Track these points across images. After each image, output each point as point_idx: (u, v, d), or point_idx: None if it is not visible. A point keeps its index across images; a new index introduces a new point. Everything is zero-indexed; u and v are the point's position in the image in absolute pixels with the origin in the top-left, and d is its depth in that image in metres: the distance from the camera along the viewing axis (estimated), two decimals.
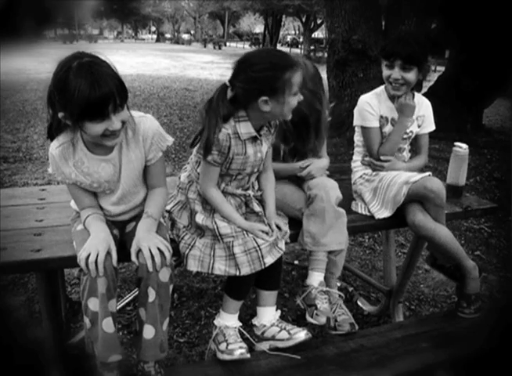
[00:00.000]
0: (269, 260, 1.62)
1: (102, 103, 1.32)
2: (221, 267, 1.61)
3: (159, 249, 1.47)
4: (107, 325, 1.43)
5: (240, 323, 1.73)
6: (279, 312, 1.78)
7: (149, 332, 1.49)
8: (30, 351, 1.09)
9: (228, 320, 1.70)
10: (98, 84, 1.30)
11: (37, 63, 14.27)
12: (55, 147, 1.53)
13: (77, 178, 1.55)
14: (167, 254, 1.47)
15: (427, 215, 1.91)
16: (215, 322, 1.73)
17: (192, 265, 1.63)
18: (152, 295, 1.46)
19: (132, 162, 1.58)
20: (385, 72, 2.03)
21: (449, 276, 2.11)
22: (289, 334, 1.68)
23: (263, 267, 1.61)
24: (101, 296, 1.41)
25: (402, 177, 1.95)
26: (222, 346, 1.63)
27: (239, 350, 1.59)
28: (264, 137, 1.69)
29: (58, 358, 1.74)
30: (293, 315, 2.46)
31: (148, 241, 1.47)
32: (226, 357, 1.60)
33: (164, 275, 1.47)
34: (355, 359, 1.66)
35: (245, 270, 1.59)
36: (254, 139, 1.64)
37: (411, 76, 1.99)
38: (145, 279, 1.46)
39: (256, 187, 1.80)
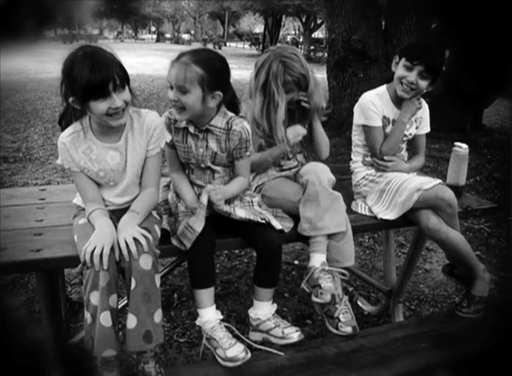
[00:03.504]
0: (197, 227, 1.66)
1: (102, 81, 1.45)
2: (174, 241, 1.70)
3: (135, 239, 1.49)
4: (105, 319, 1.44)
5: (222, 316, 1.70)
6: (275, 305, 1.78)
7: (131, 321, 1.48)
8: (30, 351, 1.09)
9: (204, 315, 1.67)
10: (98, 66, 1.44)
11: (37, 63, 14.28)
12: (65, 136, 1.62)
13: (85, 166, 1.62)
14: (143, 242, 1.48)
15: (440, 218, 1.91)
16: (197, 322, 1.71)
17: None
18: (133, 283, 1.47)
19: (137, 151, 1.66)
20: (401, 72, 2.00)
21: (467, 285, 2.05)
22: (282, 333, 1.69)
23: (195, 236, 1.64)
24: (101, 289, 1.43)
25: (412, 182, 1.94)
26: (220, 352, 1.60)
27: (239, 355, 1.58)
28: (211, 137, 1.76)
29: (58, 358, 1.74)
30: (293, 315, 2.46)
31: (124, 232, 1.50)
32: (229, 364, 1.58)
33: (145, 262, 1.48)
34: (355, 359, 1.66)
35: (187, 244, 1.65)
36: (193, 133, 1.76)
37: (424, 85, 1.99)
38: (127, 269, 1.49)
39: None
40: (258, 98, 1.93)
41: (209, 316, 1.67)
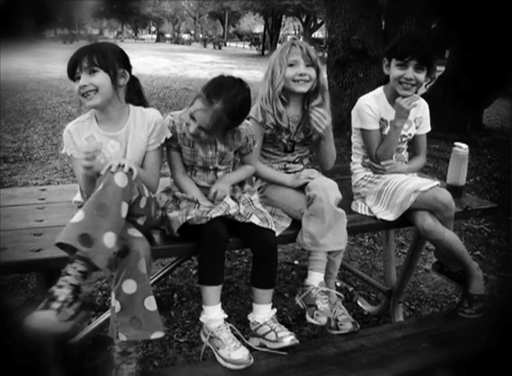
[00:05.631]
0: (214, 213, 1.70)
1: (71, 63, 1.64)
2: (191, 215, 1.68)
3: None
4: (149, 303, 1.48)
5: (226, 315, 1.70)
6: (274, 310, 1.77)
7: (77, 216, 1.39)
8: (30, 351, 1.09)
9: (210, 313, 1.67)
10: (77, 53, 1.64)
11: (37, 63, 14.27)
12: (71, 124, 1.74)
13: None
14: (126, 164, 1.47)
15: (436, 219, 1.91)
16: (201, 319, 1.70)
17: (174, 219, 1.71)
18: (97, 186, 1.44)
19: (137, 143, 1.73)
20: (397, 72, 2.00)
21: (457, 281, 2.09)
22: (276, 336, 1.67)
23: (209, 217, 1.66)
24: (142, 277, 1.46)
25: (410, 184, 1.94)
26: (223, 353, 1.60)
27: (244, 358, 1.58)
28: (219, 139, 1.80)
29: (58, 358, 1.74)
30: (293, 315, 2.46)
31: (114, 161, 1.49)
32: (232, 366, 1.58)
33: (121, 179, 1.45)
34: (355, 359, 1.66)
35: (217, 213, 1.68)
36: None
37: (422, 77, 1.99)
38: (98, 181, 1.48)
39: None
40: (266, 81, 1.97)
41: (215, 315, 1.67)
